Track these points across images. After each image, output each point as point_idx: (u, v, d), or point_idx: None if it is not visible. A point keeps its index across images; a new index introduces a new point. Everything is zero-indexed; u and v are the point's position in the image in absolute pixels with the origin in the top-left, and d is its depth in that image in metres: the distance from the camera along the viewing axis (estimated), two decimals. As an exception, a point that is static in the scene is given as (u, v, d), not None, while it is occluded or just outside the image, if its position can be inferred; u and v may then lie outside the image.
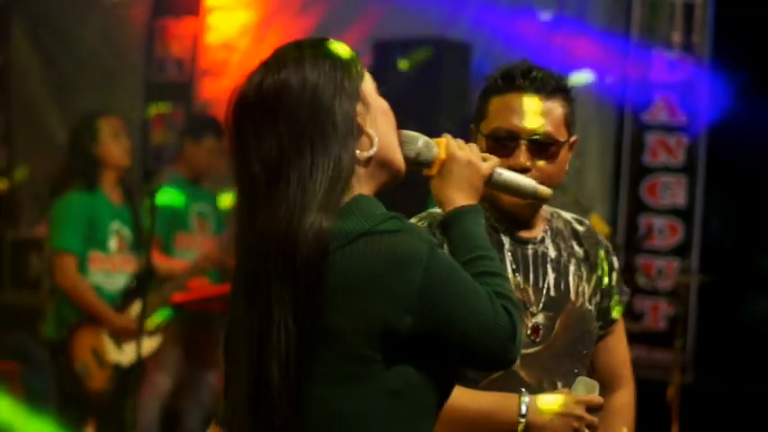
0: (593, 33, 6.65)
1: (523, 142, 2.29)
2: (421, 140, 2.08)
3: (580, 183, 6.33)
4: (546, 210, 2.44)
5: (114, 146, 5.26)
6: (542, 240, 2.39)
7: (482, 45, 6.44)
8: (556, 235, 2.41)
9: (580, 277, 2.40)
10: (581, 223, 2.47)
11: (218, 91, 6.78)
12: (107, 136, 5.25)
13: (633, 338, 6.23)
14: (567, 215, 2.47)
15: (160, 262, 5.36)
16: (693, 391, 6.03)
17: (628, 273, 6.45)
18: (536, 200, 2.25)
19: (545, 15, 6.56)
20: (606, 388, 2.39)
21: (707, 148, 6.62)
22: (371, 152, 1.92)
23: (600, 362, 2.44)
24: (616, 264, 2.49)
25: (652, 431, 5.72)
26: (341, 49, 1.95)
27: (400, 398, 1.84)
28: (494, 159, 2.14)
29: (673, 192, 6.62)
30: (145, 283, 4.84)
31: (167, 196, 5.45)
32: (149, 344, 5.16)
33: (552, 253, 2.38)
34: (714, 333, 6.52)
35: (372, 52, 6.32)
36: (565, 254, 2.40)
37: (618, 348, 2.50)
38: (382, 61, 6.27)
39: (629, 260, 6.46)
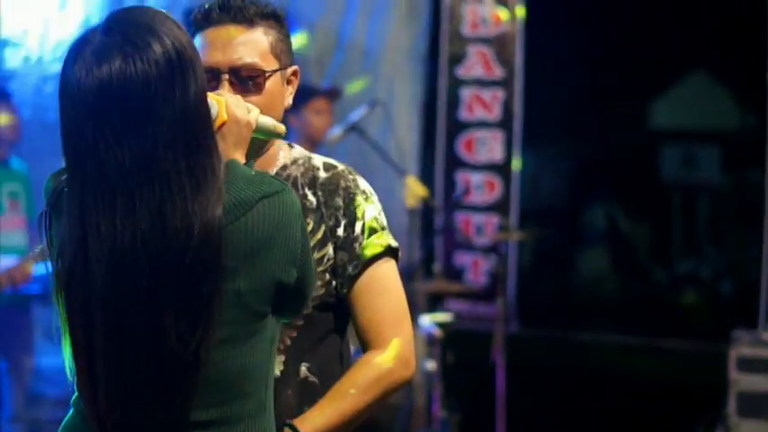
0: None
1: (224, 76, 2.20)
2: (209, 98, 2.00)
3: (394, 143, 6.26)
4: (290, 155, 2.33)
5: None
6: None
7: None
8: None
9: None
10: (329, 169, 2.32)
11: (21, 61, 6.55)
12: None
13: (456, 294, 6.36)
14: (319, 161, 2.33)
15: None
16: (518, 341, 6.13)
17: (447, 230, 6.49)
18: (279, 137, 2.20)
19: None
20: (364, 349, 2.25)
21: (523, 103, 6.67)
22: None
23: (355, 322, 2.25)
24: (369, 214, 2.29)
25: (479, 382, 5.82)
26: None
27: (273, 343, 1.93)
28: (255, 110, 2.11)
29: (489, 147, 6.66)
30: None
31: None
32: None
33: None
34: (536, 286, 6.64)
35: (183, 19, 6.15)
36: None
37: (373, 306, 2.24)
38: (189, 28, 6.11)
39: (447, 217, 6.48)
